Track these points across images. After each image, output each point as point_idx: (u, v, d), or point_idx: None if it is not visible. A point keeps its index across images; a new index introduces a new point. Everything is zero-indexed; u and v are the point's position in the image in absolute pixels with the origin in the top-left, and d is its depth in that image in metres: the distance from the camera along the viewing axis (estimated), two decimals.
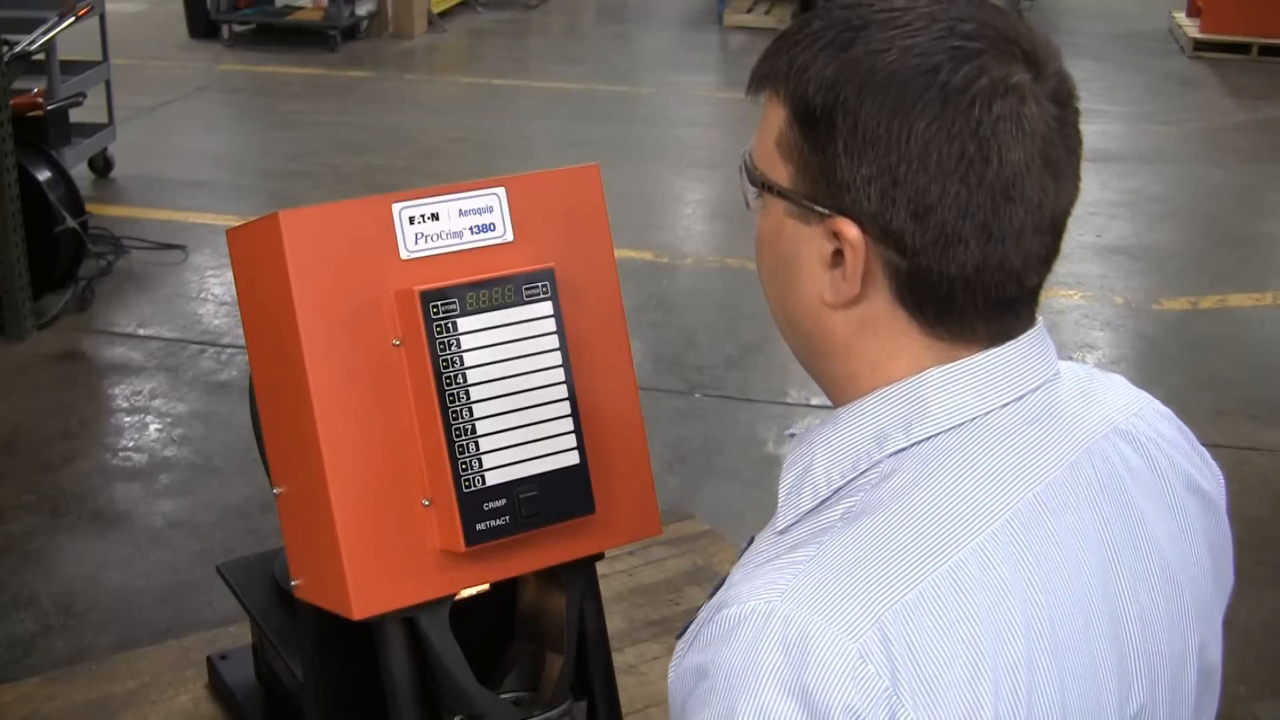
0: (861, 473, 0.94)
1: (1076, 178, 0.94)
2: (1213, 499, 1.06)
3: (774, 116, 0.95)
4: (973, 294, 0.91)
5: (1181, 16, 9.65)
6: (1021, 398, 0.94)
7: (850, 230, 0.90)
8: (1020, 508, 0.90)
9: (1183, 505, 1.02)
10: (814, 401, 4.40)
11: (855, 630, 0.83)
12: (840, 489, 0.94)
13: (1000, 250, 0.90)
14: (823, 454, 0.96)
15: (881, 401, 0.94)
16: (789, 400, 4.45)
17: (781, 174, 0.95)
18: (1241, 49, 9.05)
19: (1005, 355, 0.94)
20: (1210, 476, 1.06)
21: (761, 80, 0.97)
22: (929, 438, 0.92)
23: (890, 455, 0.93)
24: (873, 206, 0.89)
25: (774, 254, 0.98)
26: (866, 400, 0.95)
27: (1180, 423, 1.07)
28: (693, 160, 7.05)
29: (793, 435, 1.02)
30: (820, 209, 0.92)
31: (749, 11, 10.07)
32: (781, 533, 0.95)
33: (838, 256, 0.92)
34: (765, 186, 0.97)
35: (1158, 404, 1.06)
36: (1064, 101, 0.92)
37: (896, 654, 0.83)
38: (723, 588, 0.92)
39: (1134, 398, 1.05)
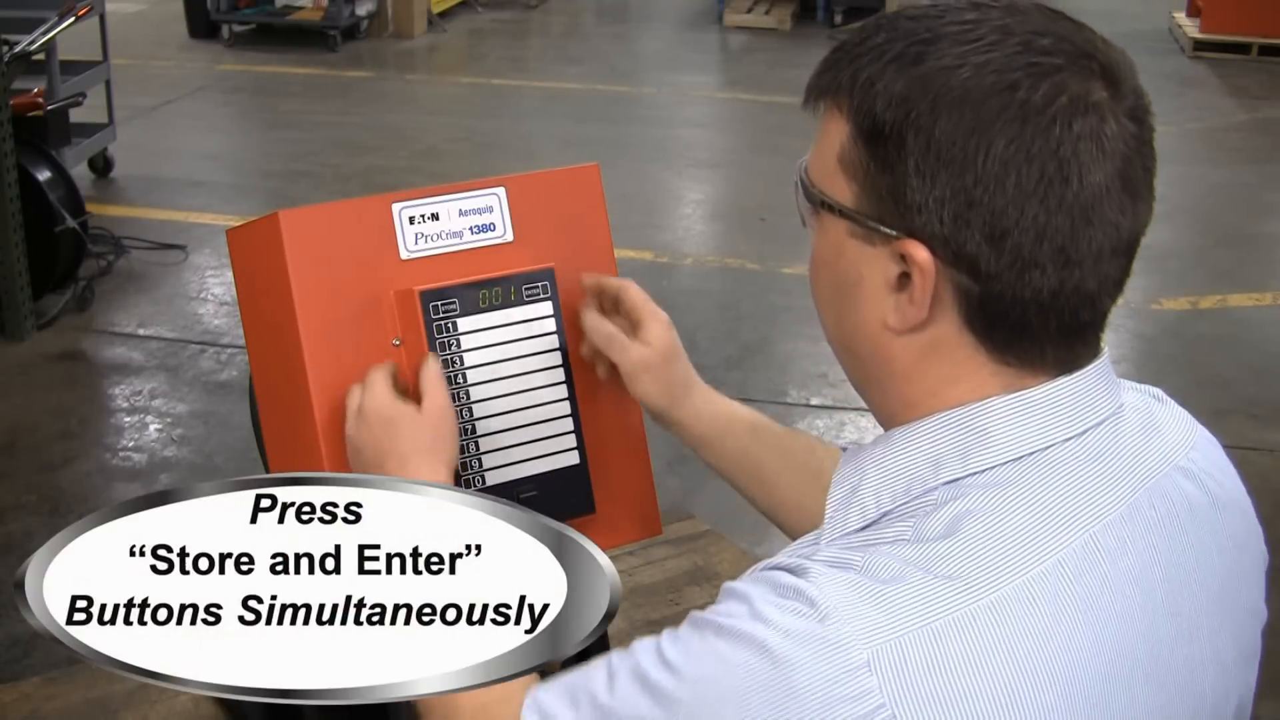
0: (914, 498, 0.90)
1: (1152, 196, 0.91)
2: (1256, 522, 1.03)
3: (835, 131, 0.91)
4: (1046, 319, 0.88)
5: (1181, 16, 9.65)
6: (1085, 433, 0.91)
7: (920, 253, 0.87)
8: (1074, 549, 0.87)
9: (1239, 541, 0.99)
10: (814, 401, 4.40)
11: (870, 637, 0.82)
12: (889, 513, 0.91)
13: (1077, 274, 0.87)
14: (874, 474, 0.93)
15: (940, 425, 0.91)
16: (789, 400, 4.45)
17: (844, 192, 0.91)
18: (1241, 49, 9.05)
19: (1072, 388, 0.90)
20: (1251, 500, 1.04)
21: (821, 92, 0.93)
22: (987, 469, 0.89)
23: (945, 484, 0.89)
24: (945, 229, 0.86)
25: (833, 276, 0.94)
26: (925, 422, 0.92)
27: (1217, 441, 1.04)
28: (693, 160, 7.05)
29: (845, 449, 0.99)
30: (887, 230, 0.88)
31: (749, 11, 10.07)
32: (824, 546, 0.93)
33: (904, 279, 0.89)
34: (825, 205, 0.93)
35: (1203, 428, 1.03)
36: (1141, 119, 0.89)
37: (910, 673, 0.81)
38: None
39: (1187, 427, 1.01)
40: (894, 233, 0.88)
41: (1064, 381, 0.91)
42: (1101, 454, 0.91)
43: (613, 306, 1.34)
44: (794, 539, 1.27)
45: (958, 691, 0.82)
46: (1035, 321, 0.88)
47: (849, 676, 0.81)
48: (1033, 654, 0.84)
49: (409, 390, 1.26)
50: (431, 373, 1.25)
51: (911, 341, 0.91)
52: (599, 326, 1.31)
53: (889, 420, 0.96)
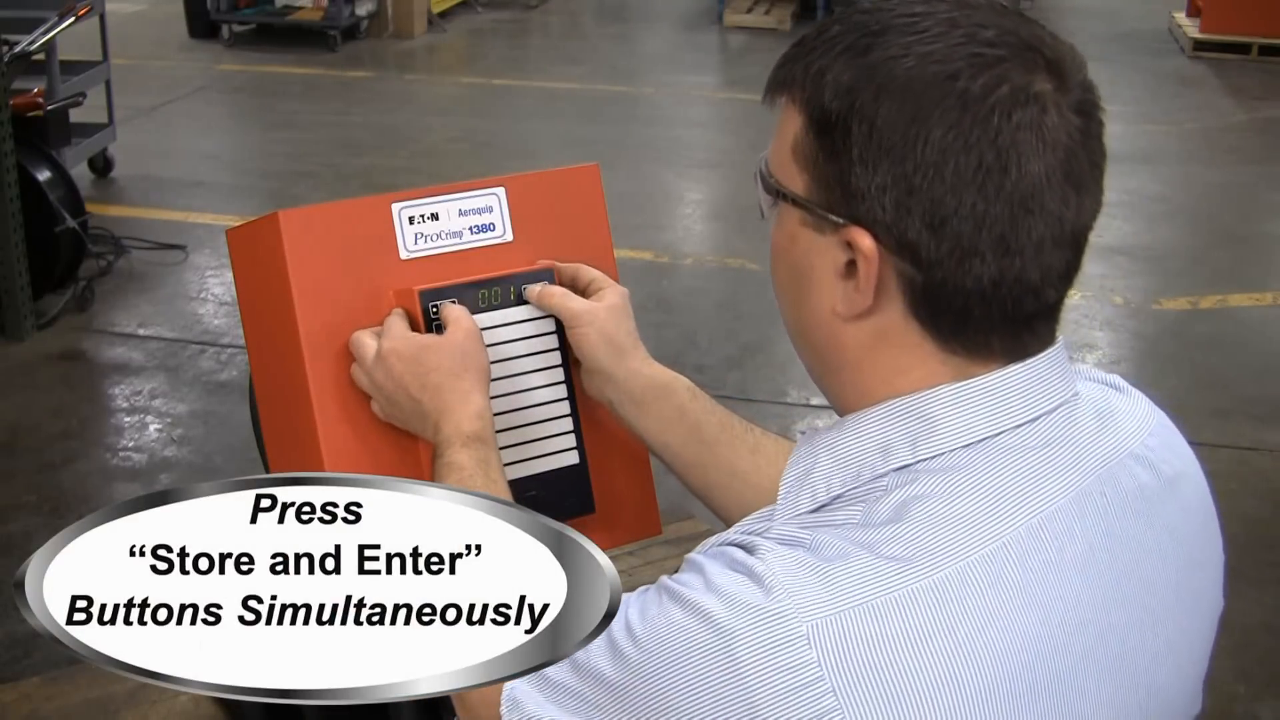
0: (863, 484, 0.92)
1: (1099, 190, 0.92)
2: (1214, 514, 1.03)
3: (790, 123, 0.93)
4: (989, 309, 0.89)
5: (1181, 16, 9.65)
6: (1036, 420, 0.92)
7: (864, 240, 0.89)
8: (1020, 533, 0.88)
9: (1196, 528, 1.00)
10: (814, 401, 4.40)
11: (811, 611, 0.84)
12: (839, 497, 0.92)
13: (1018, 264, 0.88)
14: (826, 458, 0.94)
15: (890, 413, 0.92)
16: (789, 400, 4.45)
17: (797, 182, 0.93)
18: (1241, 49, 9.04)
19: (1020, 376, 0.92)
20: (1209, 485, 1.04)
21: (778, 86, 0.95)
22: (936, 455, 0.91)
23: (895, 470, 0.91)
24: (887, 216, 0.88)
25: (788, 264, 0.96)
26: (875, 410, 0.93)
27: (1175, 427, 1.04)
28: (693, 160, 7.05)
29: (802, 433, 1.00)
30: (834, 218, 0.90)
31: (749, 11, 10.07)
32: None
33: (851, 267, 0.91)
34: (780, 195, 0.95)
35: (1161, 413, 1.03)
36: (1088, 113, 0.90)
37: (849, 648, 0.83)
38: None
39: (1144, 413, 1.02)
40: (841, 220, 0.90)
41: (1013, 369, 0.92)
42: (1052, 440, 0.92)
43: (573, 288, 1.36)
44: (722, 514, 1.29)
45: (896, 668, 0.83)
46: (978, 310, 0.89)
47: (788, 647, 0.83)
48: (974, 635, 0.85)
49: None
50: (453, 307, 1.28)
51: (860, 329, 0.93)
52: (544, 289, 1.33)
53: (845, 411, 0.97)
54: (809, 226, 0.93)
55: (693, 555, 0.93)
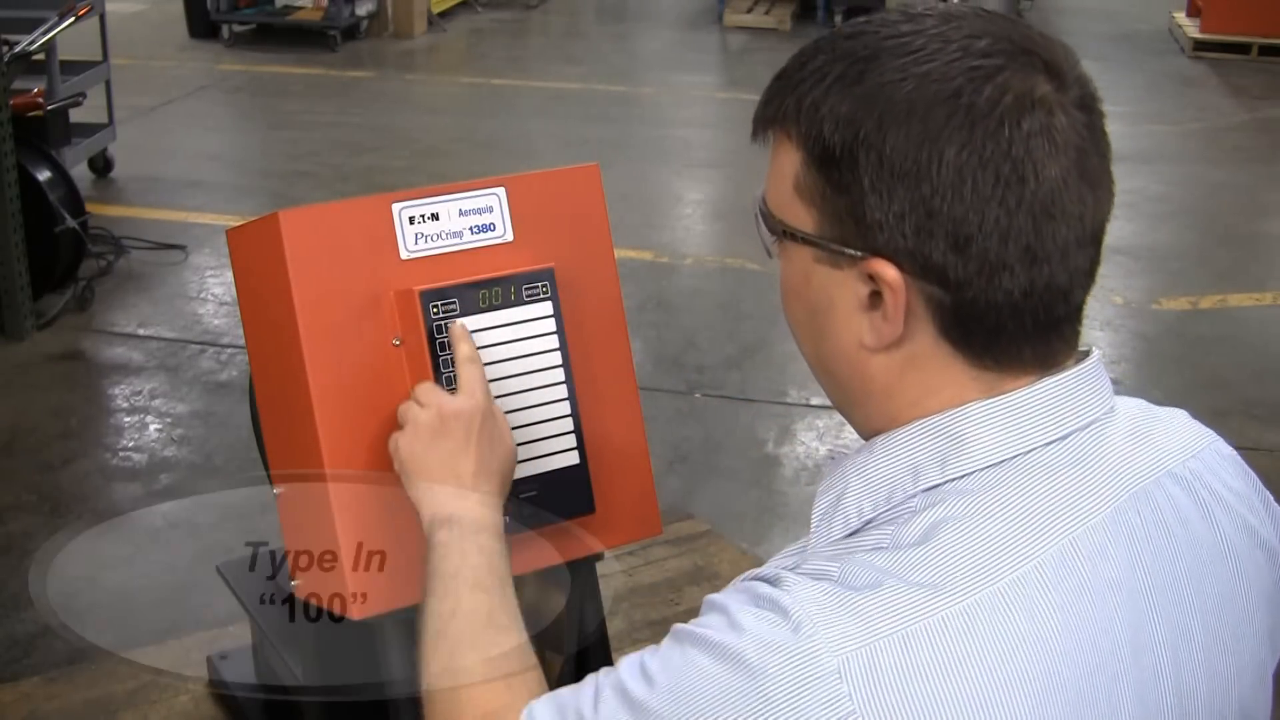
0: (894, 506, 0.90)
1: (1111, 182, 0.91)
2: (1274, 549, 1.00)
3: (787, 159, 0.91)
4: (1021, 319, 0.88)
5: (1181, 16, 9.65)
6: (1067, 436, 0.90)
7: (888, 270, 0.87)
8: (1052, 554, 0.87)
9: (1238, 558, 0.96)
10: (814, 401, 4.40)
11: (841, 645, 0.82)
12: (871, 521, 0.91)
13: (1046, 271, 0.87)
14: (856, 482, 0.93)
15: (919, 433, 0.91)
16: (789, 400, 4.45)
17: (804, 219, 0.91)
18: (1241, 49, 9.05)
19: (1050, 391, 0.90)
20: (1272, 525, 1.00)
21: (768, 122, 0.93)
22: (965, 475, 0.89)
23: (925, 490, 0.90)
24: (909, 243, 0.86)
25: (804, 303, 0.94)
26: (904, 430, 0.92)
27: (1246, 466, 1.02)
28: (693, 160, 7.05)
29: (831, 458, 0.99)
30: (851, 251, 0.89)
31: (749, 11, 10.07)
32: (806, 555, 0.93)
33: (875, 298, 0.89)
34: (787, 234, 0.93)
35: (1222, 445, 1.01)
36: (1090, 107, 0.89)
37: (881, 680, 0.81)
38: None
39: (1193, 438, 0.99)
40: (859, 253, 0.89)
41: (1044, 384, 0.90)
42: (1084, 458, 0.91)
43: None
44: None
45: (928, 697, 0.81)
46: (1010, 323, 0.88)
47: (819, 683, 0.81)
48: (1006, 660, 0.83)
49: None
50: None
51: (890, 358, 0.91)
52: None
53: (872, 436, 0.95)
54: (823, 263, 0.91)
55: (712, 596, 0.91)
